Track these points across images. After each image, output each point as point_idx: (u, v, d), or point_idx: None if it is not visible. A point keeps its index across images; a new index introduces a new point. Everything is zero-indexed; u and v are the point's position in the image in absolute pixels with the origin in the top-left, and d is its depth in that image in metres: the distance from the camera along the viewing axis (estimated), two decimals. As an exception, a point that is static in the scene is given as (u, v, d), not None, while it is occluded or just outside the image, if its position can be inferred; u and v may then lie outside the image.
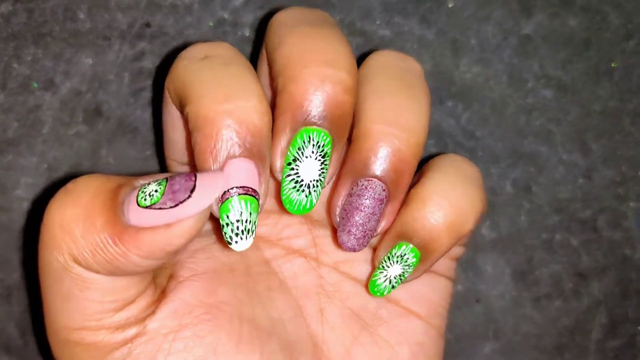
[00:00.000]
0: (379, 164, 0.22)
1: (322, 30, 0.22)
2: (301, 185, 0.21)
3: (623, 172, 0.31)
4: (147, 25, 0.29)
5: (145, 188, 0.19)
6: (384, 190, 0.22)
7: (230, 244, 0.20)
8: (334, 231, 0.23)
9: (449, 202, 0.22)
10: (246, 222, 0.20)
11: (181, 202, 0.18)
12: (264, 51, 0.23)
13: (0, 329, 0.28)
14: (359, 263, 0.26)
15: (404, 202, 0.23)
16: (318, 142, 0.21)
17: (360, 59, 0.25)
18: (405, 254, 0.22)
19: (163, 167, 0.29)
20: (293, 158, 0.21)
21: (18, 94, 0.28)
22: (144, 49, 0.29)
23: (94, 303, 0.20)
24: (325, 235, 0.26)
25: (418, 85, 0.23)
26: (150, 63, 0.29)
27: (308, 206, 0.21)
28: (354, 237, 0.22)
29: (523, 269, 0.31)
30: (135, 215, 0.18)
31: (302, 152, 0.21)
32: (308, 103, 0.20)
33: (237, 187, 0.19)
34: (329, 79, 0.20)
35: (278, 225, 0.25)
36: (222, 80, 0.20)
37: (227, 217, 0.19)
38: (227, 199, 0.19)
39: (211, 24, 0.29)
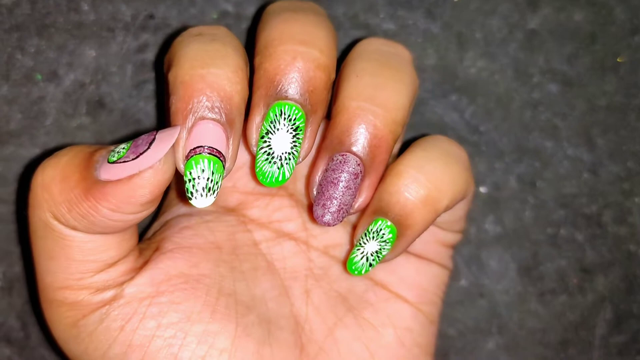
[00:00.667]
0: (354, 139, 0.22)
1: (305, 15, 0.23)
2: (273, 157, 0.22)
3: (629, 168, 0.31)
4: (151, 17, 0.29)
5: (115, 148, 0.20)
6: (358, 164, 0.22)
7: (190, 199, 0.21)
8: (311, 208, 0.23)
9: (426, 176, 0.22)
10: (208, 180, 0.21)
11: (141, 154, 0.20)
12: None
13: (1, 321, 0.28)
14: (348, 246, 0.26)
15: (381, 178, 0.23)
16: (289, 115, 0.22)
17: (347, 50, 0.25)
18: (381, 229, 0.23)
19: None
20: (266, 131, 0.22)
21: (22, 85, 0.28)
22: (147, 41, 0.29)
23: (75, 262, 0.21)
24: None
25: (402, 68, 0.24)
26: (153, 55, 0.29)
27: (280, 178, 0.22)
28: (329, 211, 0.22)
29: (528, 264, 0.31)
30: (104, 171, 0.20)
31: (274, 125, 0.22)
32: (280, 78, 0.21)
33: (203, 147, 0.20)
34: (300, 55, 0.21)
35: (269, 208, 0.26)
36: (203, 50, 0.21)
37: (190, 173, 0.21)
38: (192, 156, 0.21)
39: (215, 16, 0.29)
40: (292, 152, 0.22)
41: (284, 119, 0.22)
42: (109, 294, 0.22)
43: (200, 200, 0.21)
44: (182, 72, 0.21)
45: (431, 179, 0.22)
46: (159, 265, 0.23)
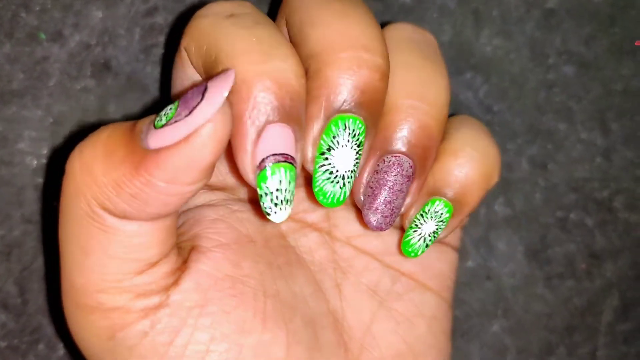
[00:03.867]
0: (407, 139, 0.21)
1: (354, 9, 0.20)
2: (336, 177, 0.20)
3: (642, 154, 0.30)
4: (161, -21, 0.28)
5: (161, 112, 0.18)
6: (411, 166, 0.21)
7: (269, 215, 0.19)
8: (357, 210, 0.22)
9: (479, 153, 0.22)
10: (285, 191, 0.18)
11: (195, 107, 0.17)
12: (282, 20, 0.22)
13: (-2, 286, 0.27)
14: (372, 237, 0.25)
15: (435, 158, 0.22)
16: (354, 130, 0.19)
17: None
18: (438, 209, 0.22)
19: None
20: (327, 147, 0.20)
21: (25, 45, 0.27)
22: (156, 4, 0.28)
23: (115, 260, 0.19)
24: (336, 209, 0.25)
25: (438, 59, 0.23)
26: (162, 19, 0.28)
27: (342, 198, 0.20)
28: (382, 216, 0.21)
29: (536, 248, 0.30)
30: (153, 138, 0.17)
31: (337, 141, 0.19)
32: (344, 89, 0.19)
33: (275, 155, 0.18)
34: (366, 64, 0.19)
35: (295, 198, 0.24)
36: (256, 39, 0.19)
37: (266, 186, 0.18)
38: (265, 167, 0.18)
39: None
40: (354, 169, 0.20)
41: (349, 134, 0.19)
42: (153, 300, 0.19)
43: (280, 215, 0.19)
44: (240, 69, 0.18)
45: (484, 155, 0.22)
46: (201, 267, 0.20)
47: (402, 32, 0.23)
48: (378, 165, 0.21)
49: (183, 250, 0.21)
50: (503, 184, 0.30)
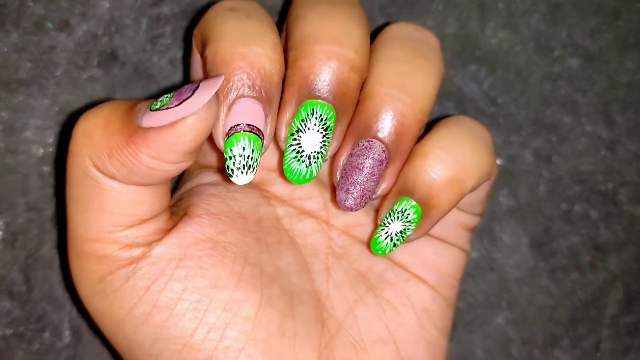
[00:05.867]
0: (381, 125, 0.22)
1: (341, 9, 0.22)
2: (302, 156, 0.22)
3: (646, 147, 0.30)
4: (168, -31, 0.28)
5: (159, 98, 0.20)
6: (384, 151, 0.22)
7: (230, 176, 0.21)
8: (334, 191, 0.23)
9: (452, 157, 0.22)
10: (248, 157, 0.21)
11: (185, 100, 0.19)
12: (285, 25, 0.24)
13: (3, 274, 0.27)
14: (369, 227, 0.26)
15: (407, 158, 0.23)
16: (321, 115, 0.22)
17: (376, 33, 0.24)
18: (405, 210, 0.23)
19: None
20: (296, 129, 0.22)
21: (32, 34, 0.27)
22: (163, -5, 0.28)
23: (109, 214, 0.21)
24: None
25: (430, 56, 0.23)
26: (169, 10, 0.28)
27: (308, 176, 0.22)
28: (352, 196, 0.22)
29: (540, 240, 0.30)
30: (147, 118, 0.20)
31: (305, 124, 0.22)
32: (314, 77, 0.21)
33: (242, 124, 0.21)
34: (335, 56, 0.21)
35: (291, 186, 0.26)
36: (242, 28, 0.21)
37: (231, 150, 0.21)
38: (233, 134, 0.21)
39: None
40: (321, 151, 0.22)
41: (316, 118, 0.22)
42: (137, 251, 0.22)
43: (241, 178, 0.21)
44: (223, 50, 0.21)
45: (458, 160, 0.22)
46: (187, 229, 0.23)
47: (396, 30, 0.24)
48: (353, 149, 0.23)
49: (176, 215, 0.23)
50: (507, 175, 0.30)
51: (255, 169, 0.21)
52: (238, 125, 0.21)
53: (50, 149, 0.28)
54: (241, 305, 0.22)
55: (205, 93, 0.19)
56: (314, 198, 0.26)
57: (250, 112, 0.21)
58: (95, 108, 0.21)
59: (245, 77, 0.21)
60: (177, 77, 0.29)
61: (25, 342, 0.27)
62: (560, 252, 0.30)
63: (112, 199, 0.21)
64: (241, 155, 0.21)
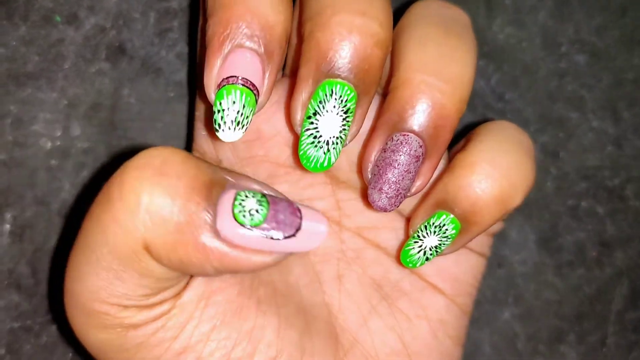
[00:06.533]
0: (417, 118, 0.20)
1: None
2: (319, 142, 0.20)
3: (653, 143, 0.30)
4: (177, -37, 0.28)
5: (243, 200, 0.18)
6: (420, 146, 0.20)
7: (217, 131, 0.19)
8: (365, 190, 0.21)
9: (500, 171, 0.20)
10: (238, 113, 0.19)
11: (286, 238, 0.18)
12: None
13: (11, 267, 0.27)
14: (385, 230, 0.24)
15: (449, 168, 0.21)
16: (341, 96, 0.19)
17: (398, 12, 0.24)
18: (444, 225, 0.21)
19: (189, 109, 0.28)
20: (313, 112, 0.19)
21: (40, 27, 0.27)
22: (171, -11, 0.28)
23: (142, 288, 0.19)
24: (350, 199, 0.24)
25: (465, 35, 0.21)
26: (177, 4, 0.28)
27: (326, 164, 0.20)
28: (386, 196, 0.20)
29: (547, 236, 0.30)
30: (230, 228, 0.18)
31: (323, 106, 0.19)
32: (333, 53, 0.19)
33: (236, 77, 0.19)
34: (357, 29, 0.19)
35: (300, 184, 0.24)
36: None
37: (220, 103, 0.19)
38: (224, 85, 0.19)
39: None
40: (340, 137, 0.20)
41: (335, 99, 0.19)
42: (165, 306, 0.20)
43: (228, 134, 0.19)
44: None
45: (506, 175, 0.20)
46: None
47: (425, 8, 0.22)
48: (386, 143, 0.20)
49: None
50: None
51: (245, 127, 0.19)
52: (231, 77, 0.19)
53: (58, 143, 0.28)
54: (263, 332, 0.21)
55: (308, 242, 0.18)
56: (325, 198, 0.24)
57: (246, 64, 0.19)
58: (163, 177, 0.18)
59: (244, 25, 0.18)
60: (185, 71, 0.29)
61: (32, 336, 0.27)
62: (567, 248, 0.30)
63: (151, 279, 0.19)
64: (230, 109, 0.19)
